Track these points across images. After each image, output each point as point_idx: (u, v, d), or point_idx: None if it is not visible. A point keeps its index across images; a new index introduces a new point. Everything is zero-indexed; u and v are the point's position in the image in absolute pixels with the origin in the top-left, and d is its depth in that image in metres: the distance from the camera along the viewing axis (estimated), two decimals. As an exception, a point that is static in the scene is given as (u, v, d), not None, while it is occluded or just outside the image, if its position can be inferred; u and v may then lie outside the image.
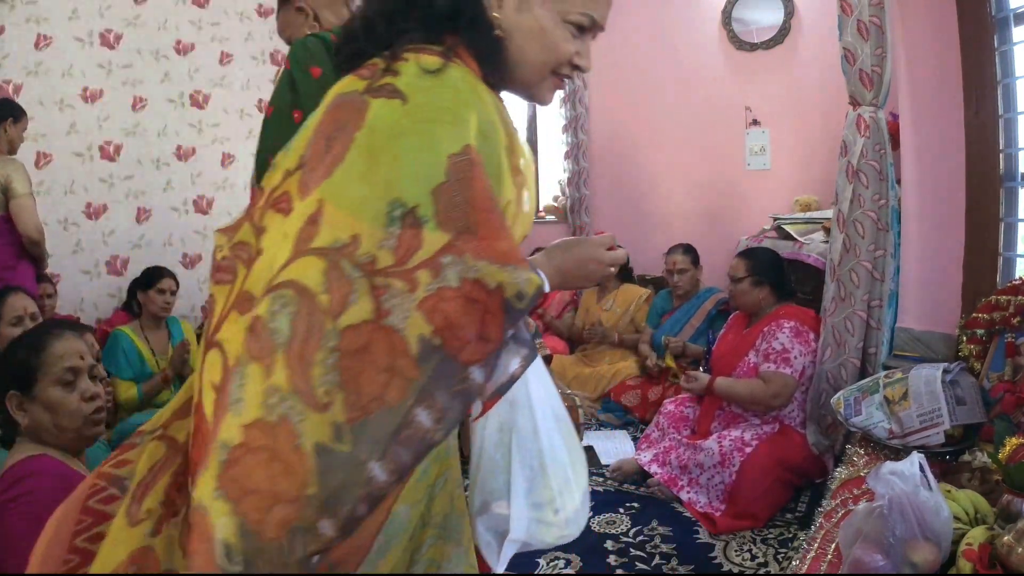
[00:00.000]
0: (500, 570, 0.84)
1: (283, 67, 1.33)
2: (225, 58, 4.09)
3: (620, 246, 0.93)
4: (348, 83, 0.76)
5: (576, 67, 0.88)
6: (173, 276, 3.17)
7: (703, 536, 2.13)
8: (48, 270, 3.33)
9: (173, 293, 3.12)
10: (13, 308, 2.17)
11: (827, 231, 2.76)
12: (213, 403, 0.66)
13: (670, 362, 3.02)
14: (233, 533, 0.56)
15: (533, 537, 0.82)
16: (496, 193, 0.72)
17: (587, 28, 0.88)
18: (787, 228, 3.04)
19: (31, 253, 2.78)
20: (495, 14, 0.82)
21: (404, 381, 0.61)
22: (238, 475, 0.58)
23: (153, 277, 3.03)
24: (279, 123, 1.22)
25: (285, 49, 4.42)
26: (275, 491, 0.57)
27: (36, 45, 3.32)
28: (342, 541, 0.60)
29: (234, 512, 0.57)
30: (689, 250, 3.25)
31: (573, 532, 0.83)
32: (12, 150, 2.84)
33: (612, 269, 0.92)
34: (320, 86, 1.14)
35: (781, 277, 2.58)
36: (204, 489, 0.58)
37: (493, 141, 0.74)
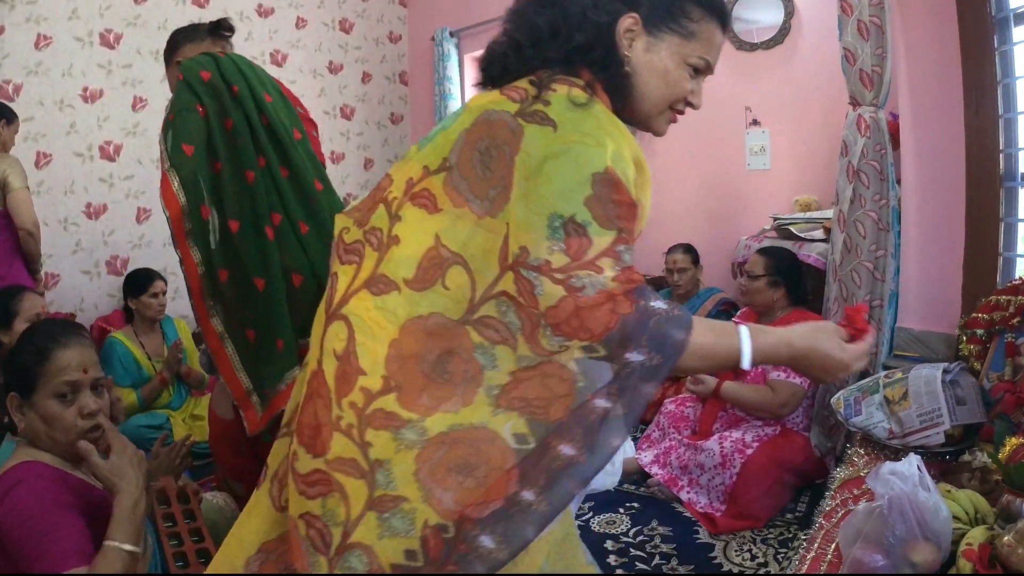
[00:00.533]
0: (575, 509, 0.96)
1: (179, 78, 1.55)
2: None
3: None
4: (496, 100, 0.89)
5: (689, 104, 0.99)
6: (162, 277, 3.16)
7: (703, 536, 2.13)
8: (48, 270, 3.33)
9: (164, 294, 3.12)
10: (32, 307, 2.21)
11: (827, 231, 2.76)
12: (335, 370, 0.84)
13: None
14: (523, 426, 0.79)
15: (598, 484, 0.95)
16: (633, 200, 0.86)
17: (701, 70, 0.98)
18: (790, 228, 3.04)
19: (26, 248, 2.78)
20: (626, 52, 0.93)
21: (620, 314, 0.78)
22: (517, 395, 0.80)
23: (143, 282, 3.02)
24: (186, 120, 1.46)
25: (286, 49, 4.44)
26: (551, 394, 0.79)
27: (36, 45, 3.32)
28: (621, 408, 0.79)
29: (521, 414, 0.80)
30: (690, 250, 3.25)
31: (616, 482, 0.99)
32: (4, 151, 2.85)
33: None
34: (212, 84, 1.49)
35: (798, 280, 2.56)
36: (476, 413, 0.80)
37: (626, 160, 0.85)
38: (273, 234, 1.50)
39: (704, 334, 0.83)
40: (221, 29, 1.78)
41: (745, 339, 0.84)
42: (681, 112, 1.00)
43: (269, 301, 1.48)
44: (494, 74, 0.94)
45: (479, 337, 0.82)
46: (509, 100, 0.88)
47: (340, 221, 0.98)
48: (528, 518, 0.77)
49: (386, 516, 0.80)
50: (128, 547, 1.10)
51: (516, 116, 0.85)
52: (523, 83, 0.90)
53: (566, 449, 0.78)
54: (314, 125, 1.83)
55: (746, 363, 0.85)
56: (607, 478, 1.02)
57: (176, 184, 1.46)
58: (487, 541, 0.78)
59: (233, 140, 1.51)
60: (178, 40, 1.79)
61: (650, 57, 0.94)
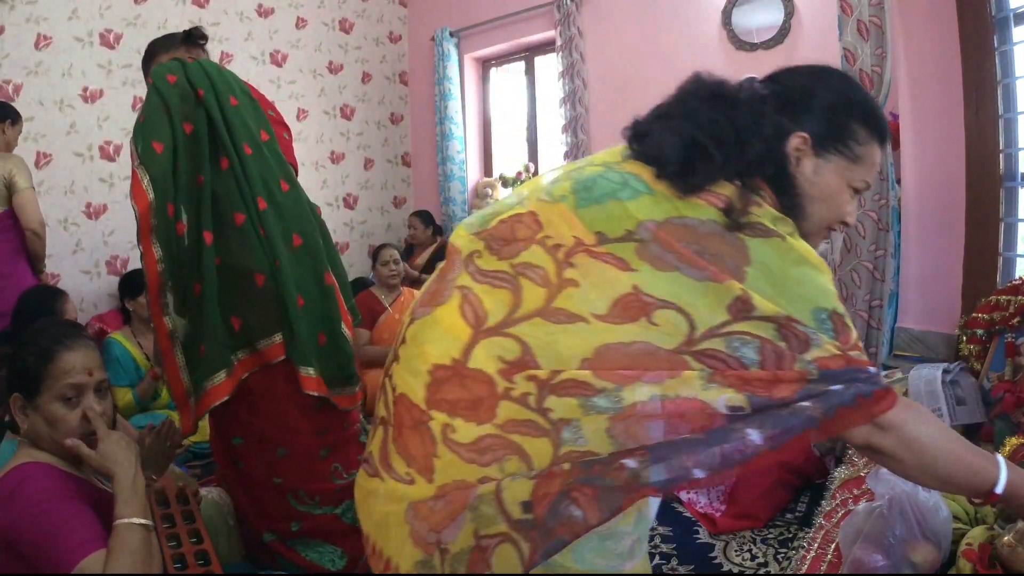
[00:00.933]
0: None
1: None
2: (225, 58, 4.09)
3: None
4: (693, 205, 0.88)
5: (844, 223, 0.99)
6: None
7: (703, 536, 2.13)
8: (48, 270, 3.33)
9: None
10: (71, 311, 2.24)
11: (827, 231, 2.76)
12: (496, 368, 0.87)
13: None
14: (742, 400, 0.80)
15: None
16: None
17: (860, 191, 0.98)
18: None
19: (31, 248, 2.81)
20: (793, 171, 0.93)
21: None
22: (737, 375, 0.81)
23: (140, 283, 3.01)
24: (155, 121, 1.53)
25: (286, 49, 4.45)
26: (777, 378, 0.81)
27: (36, 45, 3.32)
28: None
29: (739, 390, 0.81)
30: None
31: None
32: (7, 152, 2.87)
33: None
34: (178, 86, 1.55)
35: None
36: (685, 385, 0.81)
37: None
38: (211, 239, 1.51)
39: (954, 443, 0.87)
40: (194, 37, 1.82)
41: (1003, 466, 0.86)
42: (835, 230, 1.00)
43: (201, 305, 1.49)
44: (673, 171, 0.91)
45: (698, 364, 0.83)
46: (708, 205, 0.88)
47: (468, 242, 0.98)
48: (738, 444, 0.81)
49: (586, 463, 0.83)
50: (139, 520, 1.10)
51: (731, 230, 0.86)
52: (724, 190, 0.89)
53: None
54: (285, 127, 1.85)
55: (1000, 488, 0.85)
56: None
57: (146, 181, 1.49)
58: (699, 474, 0.81)
59: (191, 144, 1.54)
60: (155, 49, 1.83)
61: (817, 179, 0.94)
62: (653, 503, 1.03)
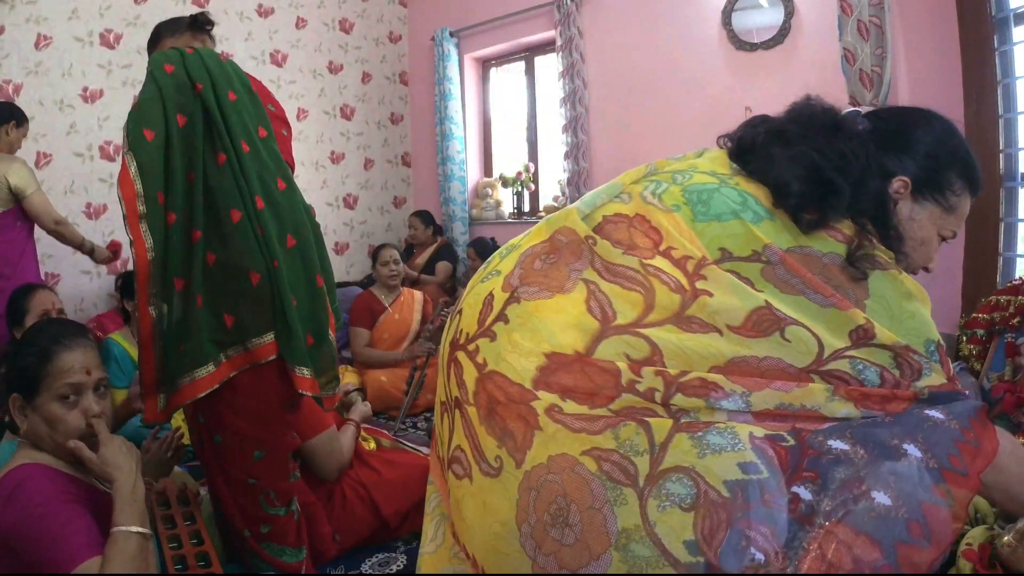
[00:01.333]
0: None
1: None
2: (224, 58, 4.09)
3: None
4: (819, 240, 0.90)
5: (925, 268, 1.01)
6: None
7: (703, 536, 2.13)
8: (48, 270, 3.34)
9: None
10: (41, 303, 2.23)
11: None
12: (625, 360, 0.85)
13: None
14: (859, 415, 0.85)
15: None
16: None
17: (946, 239, 1.00)
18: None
19: (62, 242, 2.98)
20: (891, 213, 0.94)
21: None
22: (858, 392, 0.85)
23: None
24: (150, 108, 1.51)
25: (286, 49, 4.46)
26: (892, 395, 0.85)
27: (36, 45, 3.32)
28: None
29: (858, 405, 0.85)
30: None
31: None
32: (11, 153, 2.90)
33: None
34: (175, 77, 1.53)
35: None
36: (811, 396, 0.83)
37: None
38: (200, 236, 1.49)
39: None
40: (200, 23, 1.80)
41: None
42: (915, 273, 1.00)
43: (185, 300, 1.47)
44: (796, 203, 0.91)
45: (823, 384, 0.84)
46: (831, 239, 0.90)
47: (581, 226, 0.95)
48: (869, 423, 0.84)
49: (699, 434, 0.79)
50: (136, 528, 1.09)
51: (850, 262, 0.88)
52: (845, 227, 0.90)
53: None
54: (285, 124, 1.82)
55: None
56: None
57: (133, 168, 1.45)
58: (838, 444, 0.81)
59: (184, 136, 1.51)
60: (160, 33, 1.80)
61: (912, 224, 0.95)
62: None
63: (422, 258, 4.44)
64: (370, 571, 1.98)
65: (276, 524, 1.61)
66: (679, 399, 0.82)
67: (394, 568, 1.99)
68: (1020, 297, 1.77)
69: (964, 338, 1.91)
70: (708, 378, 0.82)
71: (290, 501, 1.66)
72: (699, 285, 0.87)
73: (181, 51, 1.60)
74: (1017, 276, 1.99)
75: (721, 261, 0.89)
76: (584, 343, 0.87)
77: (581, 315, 0.89)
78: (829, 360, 0.84)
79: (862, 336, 0.85)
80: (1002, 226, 2.11)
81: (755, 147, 0.98)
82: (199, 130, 1.51)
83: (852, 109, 1.01)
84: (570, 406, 0.83)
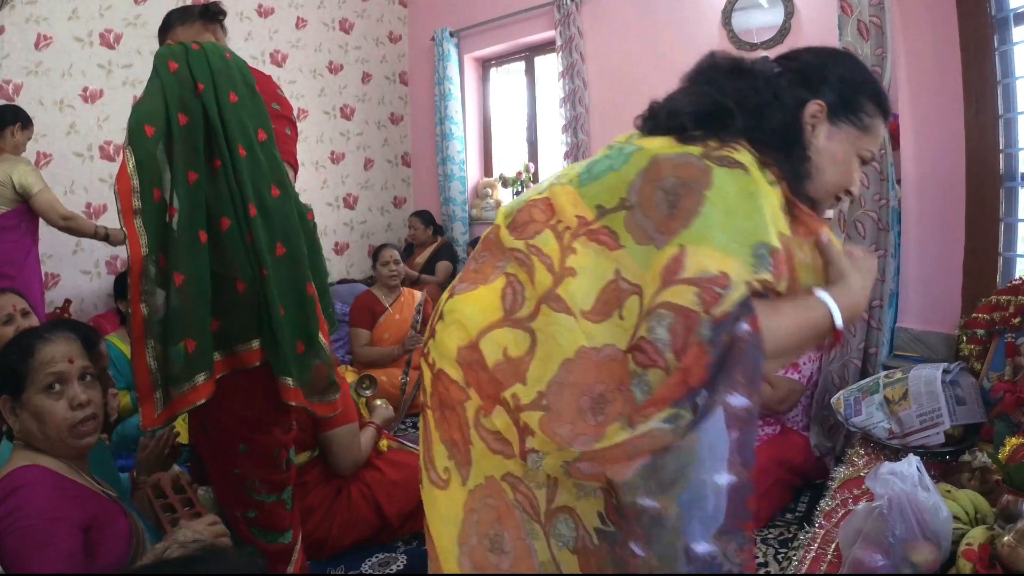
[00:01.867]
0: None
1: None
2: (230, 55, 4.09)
3: None
4: (675, 145, 0.91)
5: (848, 192, 1.03)
6: None
7: (703, 536, 2.13)
8: (48, 270, 3.34)
9: None
10: (2, 308, 2.17)
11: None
12: (499, 363, 0.89)
13: None
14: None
15: None
16: None
17: (867, 161, 1.03)
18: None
19: (73, 235, 3.08)
20: (809, 138, 0.97)
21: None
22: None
23: None
24: (151, 103, 1.47)
25: (285, 49, 4.50)
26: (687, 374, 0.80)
27: (36, 45, 3.32)
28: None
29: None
30: None
31: None
32: (15, 155, 2.94)
33: None
34: (178, 75, 1.49)
35: None
36: (614, 437, 0.78)
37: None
38: (207, 237, 1.47)
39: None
40: (212, 13, 1.79)
41: (828, 302, 0.89)
42: (840, 199, 1.04)
43: (189, 299, 1.43)
44: (691, 135, 0.92)
45: (633, 364, 0.83)
46: (689, 145, 0.91)
47: (499, 220, 1.03)
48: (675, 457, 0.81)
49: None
50: None
51: (702, 158, 0.88)
52: (708, 141, 0.92)
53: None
54: (289, 122, 1.78)
55: (839, 323, 0.89)
56: None
57: (131, 165, 1.42)
58: (647, 502, 0.80)
59: (185, 137, 1.48)
60: (171, 21, 1.79)
61: (830, 145, 0.98)
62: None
63: (422, 258, 4.44)
64: (370, 571, 1.98)
65: (263, 510, 1.62)
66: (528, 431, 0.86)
67: (394, 568, 1.99)
68: (1020, 297, 1.78)
69: (964, 338, 1.91)
70: (529, 424, 0.85)
71: (282, 490, 1.65)
72: (568, 262, 0.91)
73: (187, 47, 1.57)
74: (1017, 276, 1.99)
75: (598, 219, 0.93)
76: (478, 331, 0.93)
77: (493, 303, 0.94)
78: (638, 327, 0.84)
79: (673, 270, 0.83)
80: (1002, 226, 2.11)
81: (660, 106, 1.01)
82: (200, 131, 1.49)
83: (763, 55, 1.06)
84: (488, 420, 0.89)
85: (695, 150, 0.89)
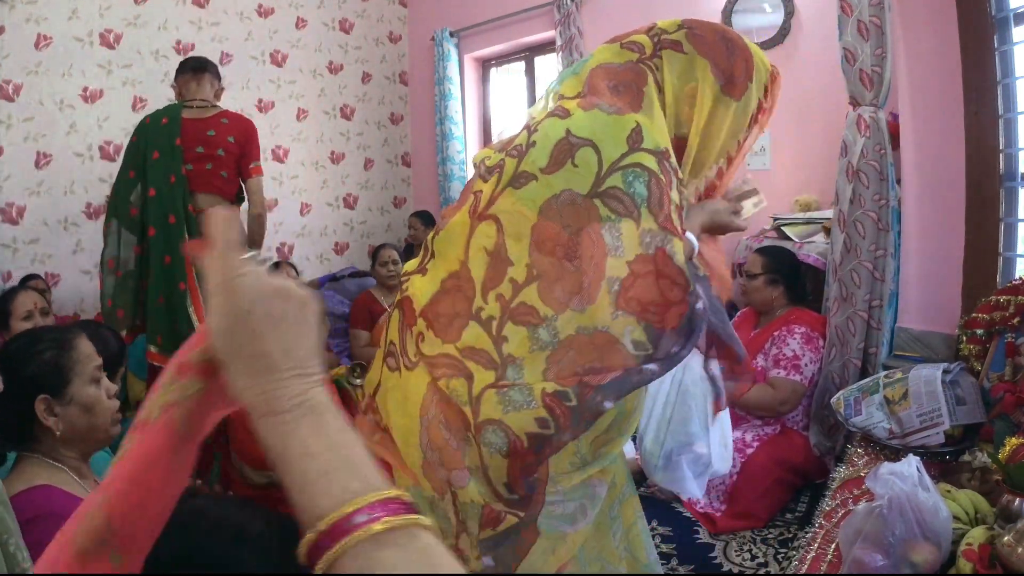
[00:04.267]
0: (701, 495, 1.17)
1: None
2: (225, 58, 4.09)
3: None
4: (618, 52, 1.11)
5: None
6: None
7: (703, 536, 2.13)
8: (48, 270, 3.34)
9: None
10: (23, 304, 2.24)
11: (827, 231, 2.76)
12: (486, 265, 0.94)
13: None
14: (641, 333, 0.87)
15: (722, 467, 1.10)
16: None
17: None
18: (786, 230, 3.04)
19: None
20: None
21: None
22: (635, 295, 0.87)
23: None
24: (128, 151, 2.61)
25: (286, 49, 4.58)
26: (665, 300, 0.87)
27: (36, 45, 3.32)
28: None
29: (639, 321, 0.87)
30: None
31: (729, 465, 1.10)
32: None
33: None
34: (135, 144, 2.51)
35: (796, 279, 2.56)
36: (599, 315, 0.87)
37: None
38: (140, 250, 2.44)
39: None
40: (187, 68, 2.54)
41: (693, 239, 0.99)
42: None
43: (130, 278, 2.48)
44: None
45: (606, 210, 0.90)
46: (630, 51, 1.07)
47: (481, 153, 1.09)
48: (643, 377, 0.88)
49: (504, 391, 0.89)
50: None
51: (639, 63, 1.04)
52: (640, 38, 1.08)
53: (674, 348, 0.89)
54: (233, 133, 2.52)
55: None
56: (724, 464, 1.16)
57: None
58: (609, 405, 0.87)
59: (135, 184, 2.45)
60: (177, 72, 2.60)
61: None
62: (599, 485, 1.09)
63: (422, 258, 4.43)
64: (370, 571, 1.98)
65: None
66: (509, 329, 0.91)
67: (394, 568, 1.99)
68: (1020, 297, 1.77)
69: (964, 338, 1.91)
70: (528, 302, 0.91)
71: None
72: (532, 138, 0.98)
73: (142, 121, 2.48)
74: (1017, 276, 1.98)
75: (560, 103, 1.04)
76: (463, 245, 0.99)
77: (464, 217, 1.01)
78: (607, 175, 0.91)
79: (636, 140, 0.93)
80: (1002, 226, 2.11)
81: None
82: (139, 179, 2.39)
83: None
84: (430, 338, 0.97)
85: (632, 56, 1.08)
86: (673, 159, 0.96)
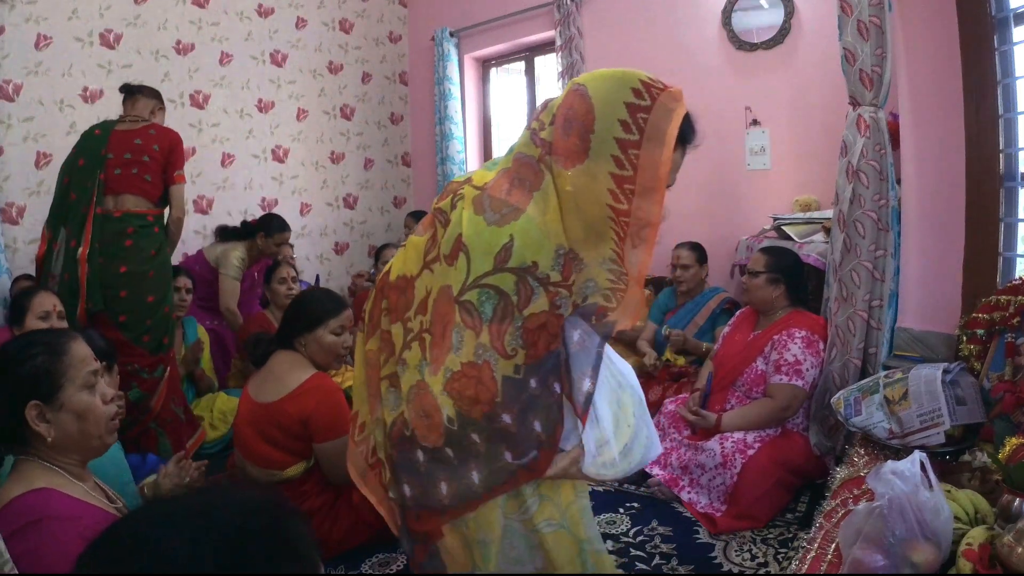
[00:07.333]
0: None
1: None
2: (225, 58, 4.09)
3: None
4: (526, 143, 1.19)
5: None
6: (189, 275, 3.18)
7: (703, 536, 2.13)
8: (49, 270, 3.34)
9: (189, 291, 3.13)
10: (41, 304, 2.26)
11: (827, 231, 2.76)
12: (420, 298, 1.24)
13: (670, 355, 3.03)
14: (453, 412, 1.12)
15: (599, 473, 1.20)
16: None
17: None
18: (786, 229, 3.04)
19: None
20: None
21: (559, 340, 1.13)
22: (457, 388, 1.11)
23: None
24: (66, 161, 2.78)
25: (286, 49, 4.64)
26: (478, 397, 1.10)
27: (36, 45, 3.32)
28: (516, 431, 1.11)
29: (455, 405, 1.12)
30: (696, 247, 3.23)
31: (609, 473, 1.20)
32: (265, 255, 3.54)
33: None
34: (73, 154, 2.73)
35: (798, 280, 2.55)
36: (435, 386, 1.14)
37: None
38: (76, 243, 2.65)
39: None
40: (126, 91, 2.84)
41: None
42: None
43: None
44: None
45: (459, 316, 1.12)
46: (534, 145, 1.17)
47: (444, 202, 1.28)
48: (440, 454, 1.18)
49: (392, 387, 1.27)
50: None
51: (539, 161, 1.15)
52: (545, 116, 1.18)
53: (472, 435, 1.14)
54: (158, 141, 2.73)
55: None
56: (610, 470, 1.19)
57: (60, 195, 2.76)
58: (419, 459, 1.19)
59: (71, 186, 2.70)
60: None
61: None
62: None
63: (422, 258, 4.43)
64: (370, 571, 1.98)
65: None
66: (409, 351, 1.23)
67: (394, 568, 1.99)
68: (1020, 297, 1.77)
69: (964, 338, 1.90)
70: (426, 341, 1.20)
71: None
72: (452, 215, 1.22)
73: (91, 127, 2.77)
74: (1017, 276, 1.98)
75: (477, 192, 1.22)
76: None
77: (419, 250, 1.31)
78: (467, 288, 1.11)
79: (503, 258, 1.10)
80: (1002, 226, 2.11)
81: None
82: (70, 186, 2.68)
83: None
84: (384, 323, 1.32)
85: (536, 152, 1.19)
86: (547, 264, 1.11)
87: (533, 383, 1.11)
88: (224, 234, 3.56)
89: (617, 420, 1.16)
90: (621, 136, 1.08)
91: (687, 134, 1.18)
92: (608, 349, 1.18)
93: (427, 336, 1.17)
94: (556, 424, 1.12)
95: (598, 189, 1.09)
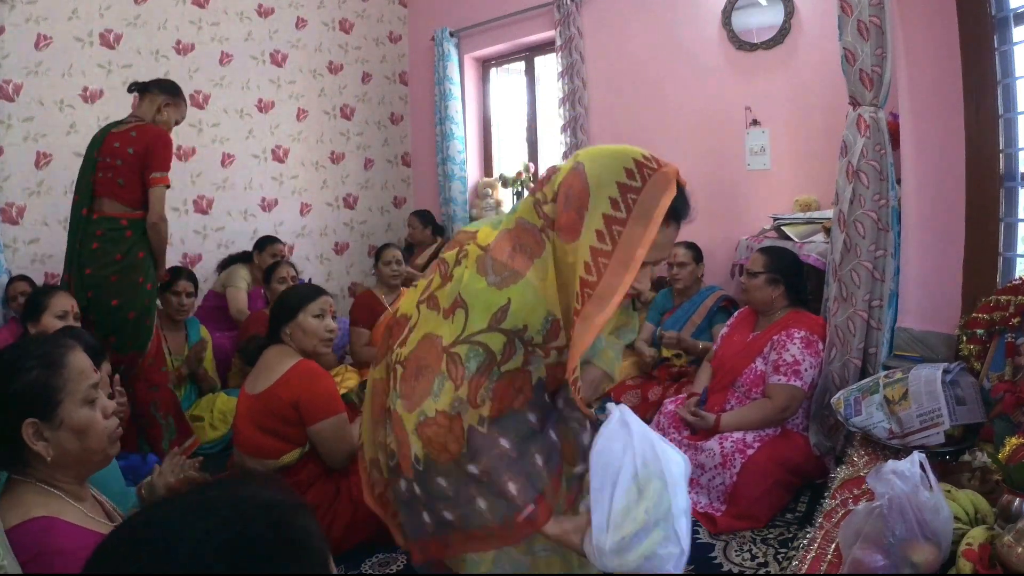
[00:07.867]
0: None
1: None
2: (225, 58, 4.09)
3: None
4: (528, 209, 1.21)
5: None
6: (191, 277, 3.18)
7: (703, 536, 2.13)
8: (49, 270, 3.34)
9: (190, 295, 3.14)
10: (60, 304, 2.26)
11: (827, 231, 2.76)
12: (409, 328, 1.27)
13: (667, 352, 3.05)
14: (421, 454, 1.15)
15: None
16: None
17: None
18: (786, 229, 3.04)
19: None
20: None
21: (525, 397, 1.18)
22: (428, 432, 1.14)
23: (170, 278, 3.06)
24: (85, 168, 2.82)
25: (286, 49, 4.66)
26: (447, 446, 1.14)
27: (36, 45, 3.32)
28: (485, 480, 1.13)
29: (423, 448, 1.15)
30: (691, 246, 3.24)
31: (596, 561, 1.15)
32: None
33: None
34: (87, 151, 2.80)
35: (797, 280, 2.55)
36: (408, 423, 1.17)
37: None
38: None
39: None
40: (135, 88, 2.83)
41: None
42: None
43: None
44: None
45: (444, 366, 1.14)
46: (536, 215, 1.19)
47: (450, 254, 1.28)
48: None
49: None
50: None
51: (541, 231, 1.18)
52: (548, 190, 1.19)
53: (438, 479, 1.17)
54: (134, 144, 2.68)
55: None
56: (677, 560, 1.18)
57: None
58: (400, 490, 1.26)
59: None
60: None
61: None
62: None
63: (422, 258, 4.43)
64: (370, 571, 1.98)
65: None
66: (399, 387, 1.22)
67: (394, 568, 1.99)
68: (1020, 297, 1.77)
69: (964, 338, 1.90)
70: (397, 376, 1.22)
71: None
72: (454, 271, 1.23)
73: (101, 128, 2.83)
74: (1017, 276, 1.98)
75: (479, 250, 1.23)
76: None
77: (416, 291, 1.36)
78: (458, 343, 1.13)
79: (498, 320, 1.13)
80: (1002, 226, 2.10)
81: None
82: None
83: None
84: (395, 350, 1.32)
85: (538, 222, 1.21)
86: (536, 328, 1.15)
87: (504, 443, 1.14)
88: (224, 263, 3.78)
89: (627, 510, 1.12)
90: (609, 213, 1.10)
91: (680, 210, 1.19)
92: (658, 440, 1.17)
93: (399, 368, 1.21)
94: (537, 494, 1.14)
95: (578, 262, 1.12)
